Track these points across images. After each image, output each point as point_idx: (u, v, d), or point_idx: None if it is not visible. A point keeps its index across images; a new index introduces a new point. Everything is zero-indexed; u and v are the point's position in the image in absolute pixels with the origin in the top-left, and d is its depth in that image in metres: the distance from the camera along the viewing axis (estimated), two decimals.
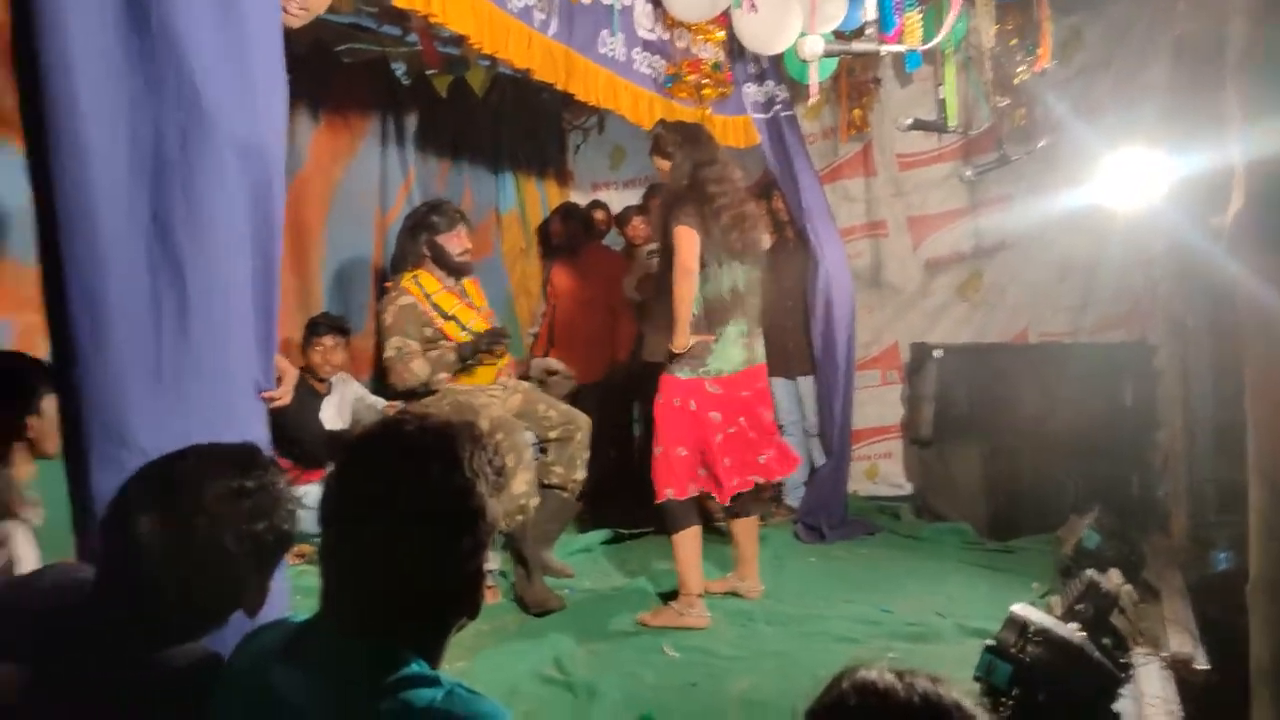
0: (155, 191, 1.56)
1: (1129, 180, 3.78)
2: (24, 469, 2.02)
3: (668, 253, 3.27)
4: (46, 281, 1.52)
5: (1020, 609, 2.47)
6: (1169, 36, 3.98)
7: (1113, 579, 2.90)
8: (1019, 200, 5.18)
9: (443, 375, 3.52)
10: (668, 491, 3.23)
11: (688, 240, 3.18)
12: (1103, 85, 4.89)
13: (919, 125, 3.74)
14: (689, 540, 3.21)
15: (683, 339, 3.22)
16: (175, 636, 1.31)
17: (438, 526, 1.14)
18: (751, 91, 4.81)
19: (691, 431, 3.27)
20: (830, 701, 0.96)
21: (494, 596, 3.40)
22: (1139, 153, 3.59)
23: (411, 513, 1.12)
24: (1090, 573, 2.83)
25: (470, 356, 3.56)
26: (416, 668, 1.13)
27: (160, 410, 1.56)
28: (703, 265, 3.22)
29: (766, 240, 3.48)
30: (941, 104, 4.13)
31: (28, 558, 1.96)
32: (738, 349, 3.30)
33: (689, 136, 3.41)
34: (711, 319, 3.26)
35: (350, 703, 1.09)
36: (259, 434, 1.72)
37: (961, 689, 0.92)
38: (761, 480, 3.45)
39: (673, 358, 3.29)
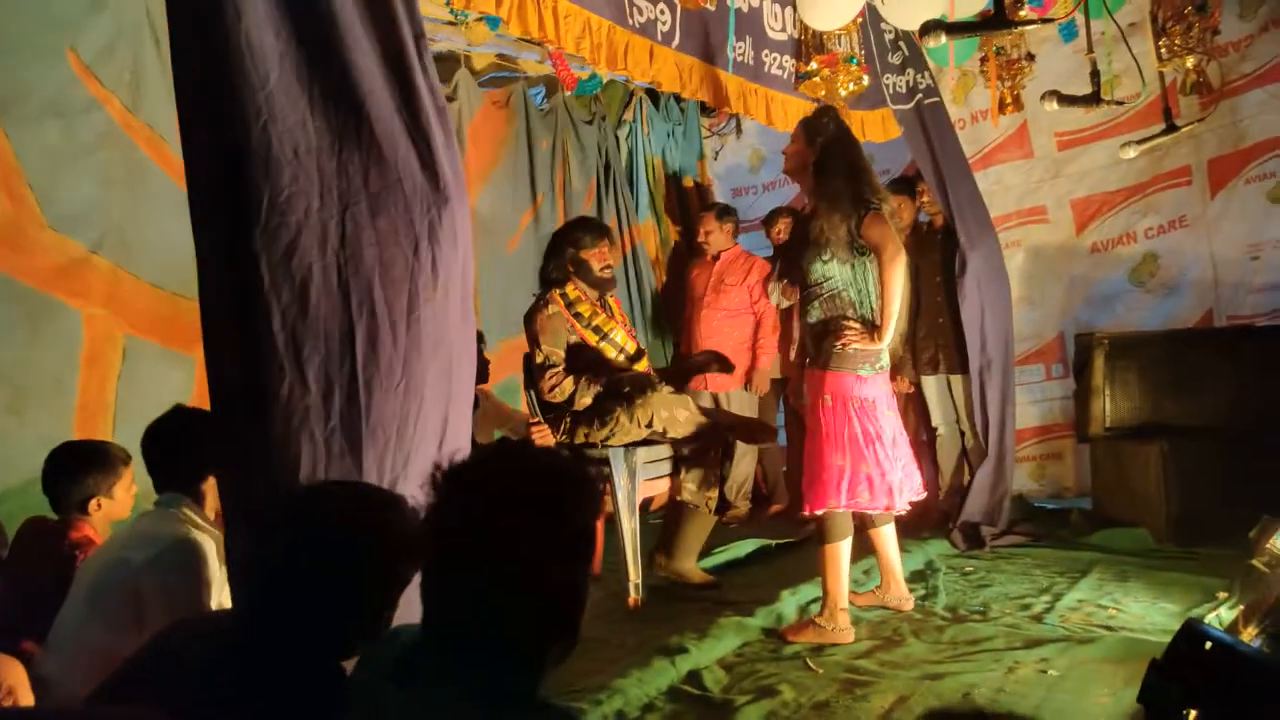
0: (344, 227, 1.70)
1: None
2: (210, 503, 2.20)
3: (820, 245, 3.11)
4: (223, 326, 1.65)
5: (1196, 621, 2.24)
6: None
7: None
8: (1197, 172, 4.76)
9: (587, 398, 3.61)
10: (830, 502, 3.06)
11: (889, 227, 3.03)
12: None
13: (1065, 100, 3.45)
14: (841, 552, 3.09)
15: (890, 334, 3.03)
16: (307, 662, 1.38)
17: (536, 558, 1.15)
18: (892, 82, 4.66)
19: (863, 433, 3.08)
20: None
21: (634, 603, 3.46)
22: None
23: (510, 544, 1.14)
24: None
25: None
26: (516, 689, 1.15)
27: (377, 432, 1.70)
28: (862, 258, 3.10)
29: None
30: (1094, 75, 3.81)
31: (216, 571, 2.13)
32: (885, 351, 3.18)
33: (841, 132, 3.23)
34: (867, 315, 3.12)
35: None
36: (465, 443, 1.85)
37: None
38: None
39: (832, 356, 3.08)
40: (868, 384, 3.11)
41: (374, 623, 1.42)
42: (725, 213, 5.30)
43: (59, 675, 1.86)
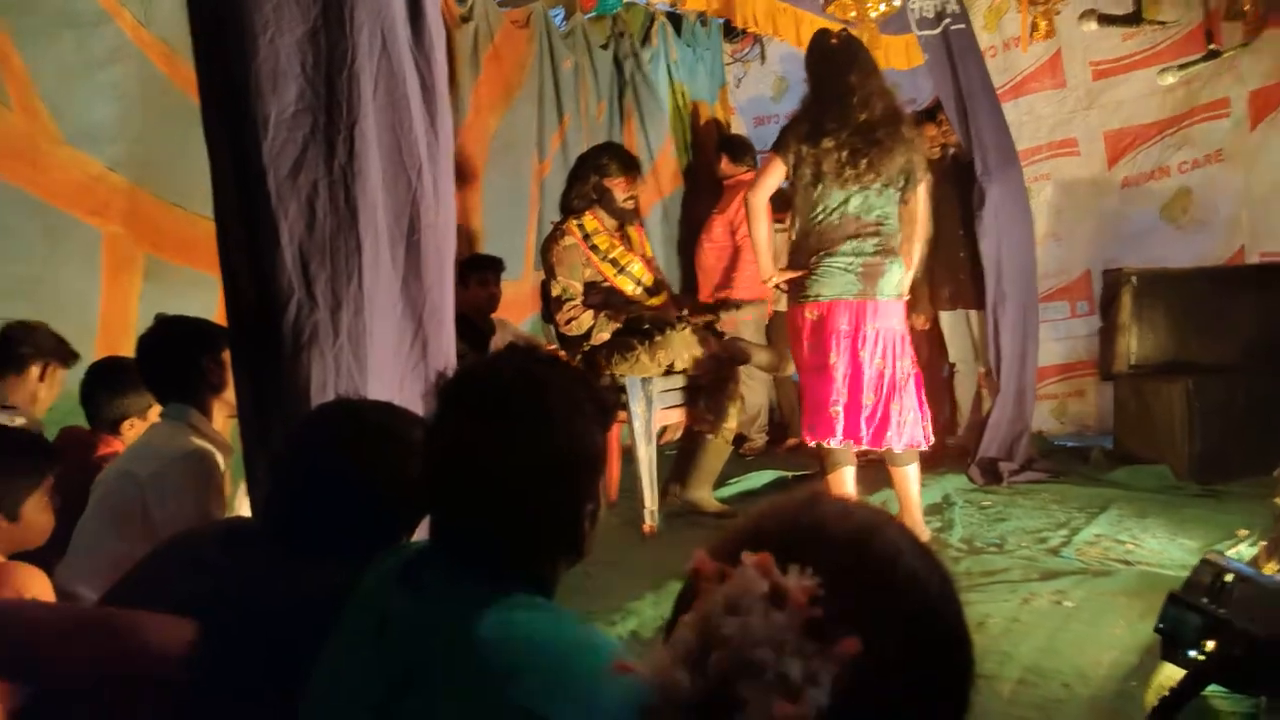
0: (352, 143, 1.65)
1: None
2: (220, 418, 2.17)
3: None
4: (236, 243, 1.63)
5: (1214, 554, 2.22)
6: None
7: None
8: (1237, 104, 4.61)
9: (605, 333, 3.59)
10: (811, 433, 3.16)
11: (766, 168, 3.22)
12: None
13: (1104, 20, 3.32)
14: (838, 484, 3.11)
15: (765, 270, 3.28)
16: (328, 565, 1.38)
17: (536, 469, 1.13)
18: (919, 6, 4.49)
19: (810, 359, 3.20)
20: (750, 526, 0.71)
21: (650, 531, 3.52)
22: None
23: (509, 454, 1.12)
24: None
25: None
26: (522, 595, 1.14)
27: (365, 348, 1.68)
28: (806, 190, 3.16)
29: (914, 164, 3.22)
30: None
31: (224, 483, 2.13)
32: (846, 277, 3.12)
33: (825, 53, 3.28)
34: (817, 246, 3.14)
35: (456, 626, 1.11)
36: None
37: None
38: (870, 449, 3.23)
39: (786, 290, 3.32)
40: (809, 309, 3.19)
41: (398, 538, 1.42)
42: (721, 146, 5.30)
43: (77, 586, 1.87)
